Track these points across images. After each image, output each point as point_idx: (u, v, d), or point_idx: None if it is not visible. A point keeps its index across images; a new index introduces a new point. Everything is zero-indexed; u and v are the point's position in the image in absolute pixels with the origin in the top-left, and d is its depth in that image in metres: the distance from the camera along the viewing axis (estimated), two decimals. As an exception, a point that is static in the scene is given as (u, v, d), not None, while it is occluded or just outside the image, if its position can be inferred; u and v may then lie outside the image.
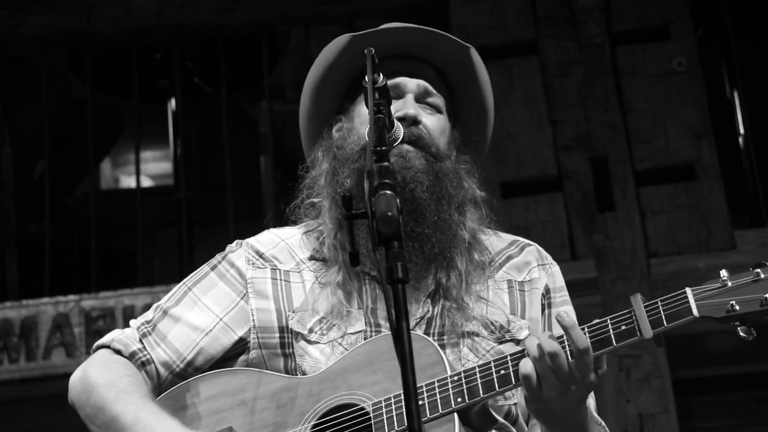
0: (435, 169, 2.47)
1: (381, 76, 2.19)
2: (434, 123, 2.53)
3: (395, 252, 1.86)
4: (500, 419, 2.37)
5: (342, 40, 2.59)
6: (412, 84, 2.56)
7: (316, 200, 2.57)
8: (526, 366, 2.19)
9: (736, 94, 7.05)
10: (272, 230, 2.63)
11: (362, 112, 2.54)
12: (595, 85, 6.56)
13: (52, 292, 6.60)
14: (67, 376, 2.55)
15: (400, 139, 2.43)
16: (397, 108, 2.49)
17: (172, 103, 7.57)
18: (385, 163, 2.01)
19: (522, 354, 2.23)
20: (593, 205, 6.38)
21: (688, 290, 2.24)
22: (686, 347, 6.22)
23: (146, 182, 8.60)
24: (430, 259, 2.44)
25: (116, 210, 8.11)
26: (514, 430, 2.39)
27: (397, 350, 1.81)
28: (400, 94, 2.53)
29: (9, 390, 6.34)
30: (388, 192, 1.93)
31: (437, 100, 2.58)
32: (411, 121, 2.48)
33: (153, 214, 7.49)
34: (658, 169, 6.41)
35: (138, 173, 7.20)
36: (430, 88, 2.57)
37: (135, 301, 6.35)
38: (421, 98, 2.56)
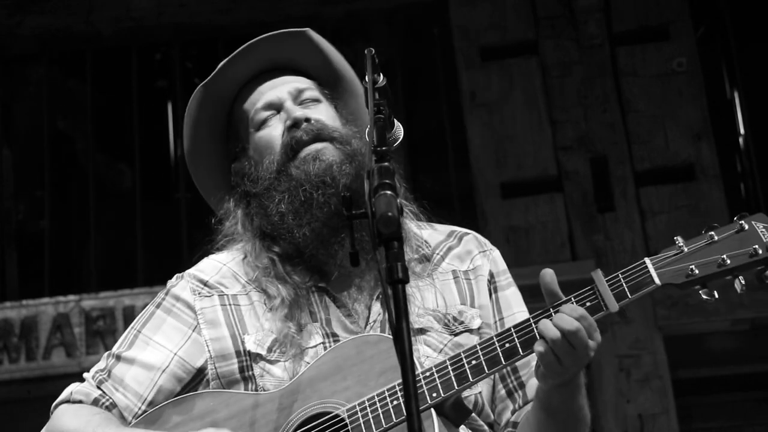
0: (349, 154, 2.47)
1: (381, 76, 2.19)
2: (322, 112, 2.53)
3: (395, 252, 1.85)
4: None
5: (196, 93, 2.60)
6: (282, 92, 2.56)
7: (238, 246, 2.56)
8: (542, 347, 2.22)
9: (736, 94, 7.06)
10: (211, 257, 2.60)
11: (256, 141, 2.55)
12: (595, 86, 6.56)
13: (52, 292, 6.60)
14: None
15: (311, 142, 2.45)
16: (283, 119, 2.52)
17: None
18: (385, 164, 2.00)
19: (491, 343, 2.25)
20: (593, 205, 6.38)
21: (647, 260, 2.26)
22: (686, 347, 6.22)
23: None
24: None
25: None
26: (480, 420, 2.41)
27: (397, 350, 1.81)
28: (278, 106, 2.54)
29: (9, 390, 6.35)
30: (389, 192, 1.92)
31: (312, 92, 2.58)
32: (303, 122, 2.49)
33: (153, 214, 7.48)
34: (657, 170, 6.42)
35: (138, 173, 7.20)
36: (300, 85, 2.58)
37: (135, 301, 6.35)
38: (297, 98, 2.56)
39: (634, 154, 6.44)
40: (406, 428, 1.73)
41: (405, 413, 1.79)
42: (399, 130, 2.39)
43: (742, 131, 6.98)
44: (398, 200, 1.91)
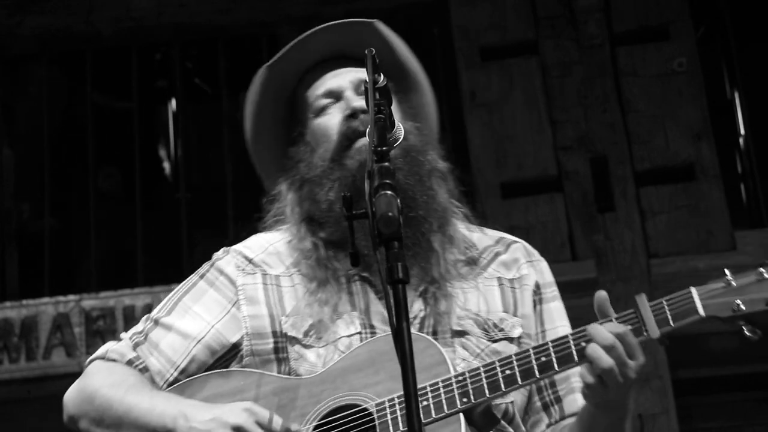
0: (404, 148, 2.44)
1: (381, 76, 2.19)
2: None
3: (395, 252, 1.85)
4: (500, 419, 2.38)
5: (259, 74, 2.60)
6: (344, 81, 2.56)
7: (285, 227, 2.57)
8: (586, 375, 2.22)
9: (736, 94, 7.05)
10: (260, 235, 2.61)
11: (314, 128, 2.54)
12: (595, 86, 6.56)
13: (52, 292, 6.60)
14: (67, 376, 2.54)
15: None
16: (342, 108, 2.51)
17: (173, 103, 7.57)
18: (386, 164, 2.00)
19: (526, 354, 2.24)
20: (593, 205, 6.38)
21: (693, 290, 2.24)
22: (686, 347, 6.21)
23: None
24: (428, 234, 2.43)
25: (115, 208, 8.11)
26: (509, 428, 2.39)
27: (397, 350, 1.81)
28: (338, 95, 2.54)
29: (9, 390, 6.34)
30: (389, 192, 1.92)
31: None
32: (360, 113, 2.47)
33: (153, 215, 7.49)
34: (658, 170, 6.41)
35: (138, 173, 7.20)
36: (363, 75, 2.50)
37: (135, 301, 6.35)
38: (359, 89, 2.54)
39: (634, 154, 6.44)
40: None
41: (406, 416, 1.78)
42: (399, 130, 2.40)
43: (742, 131, 6.97)
44: (398, 200, 1.91)
